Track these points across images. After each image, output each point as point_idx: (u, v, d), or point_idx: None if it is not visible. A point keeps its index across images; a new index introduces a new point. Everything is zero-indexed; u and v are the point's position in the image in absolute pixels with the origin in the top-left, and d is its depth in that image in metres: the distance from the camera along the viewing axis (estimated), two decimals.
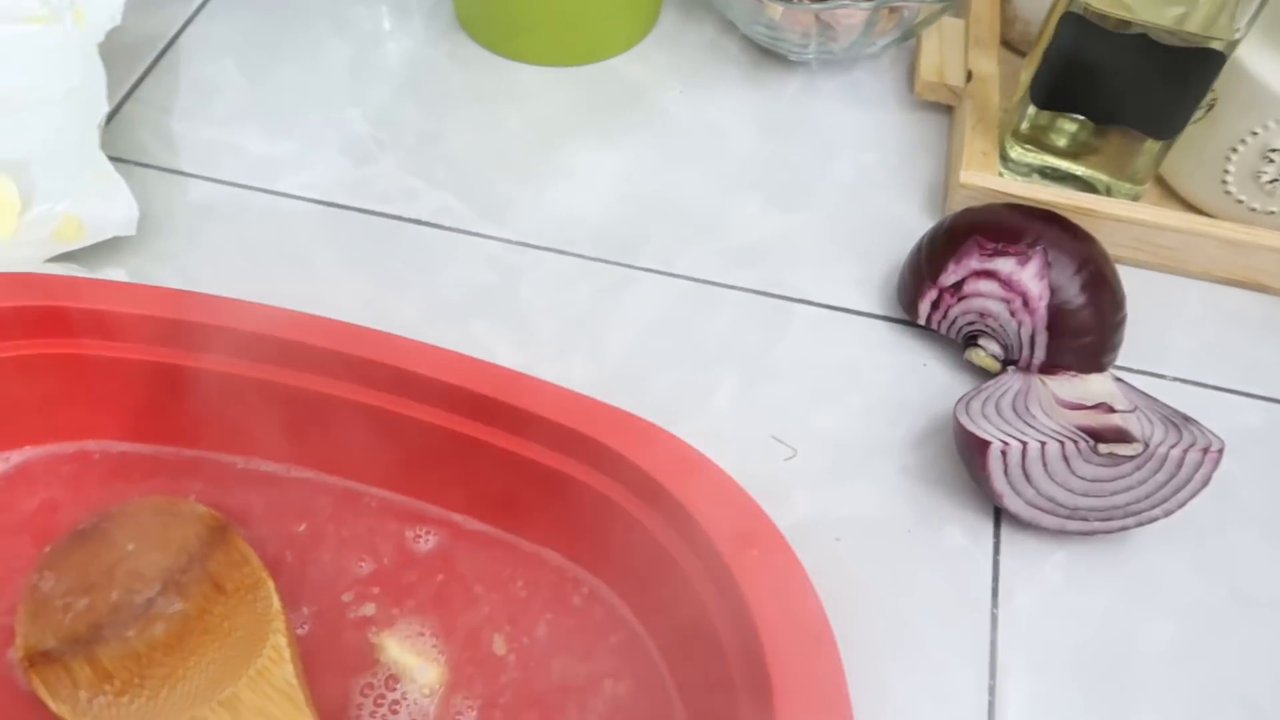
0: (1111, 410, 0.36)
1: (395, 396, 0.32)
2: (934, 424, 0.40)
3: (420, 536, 0.34)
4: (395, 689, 0.31)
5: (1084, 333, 0.38)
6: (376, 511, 0.35)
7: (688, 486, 0.29)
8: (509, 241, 0.45)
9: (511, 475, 0.33)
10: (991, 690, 0.34)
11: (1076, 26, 0.40)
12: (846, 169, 0.49)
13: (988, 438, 0.35)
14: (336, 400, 0.33)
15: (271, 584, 0.32)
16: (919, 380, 0.41)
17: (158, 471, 0.36)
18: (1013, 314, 0.38)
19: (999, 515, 0.37)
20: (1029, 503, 0.35)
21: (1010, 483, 0.35)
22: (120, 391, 0.34)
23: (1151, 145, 0.42)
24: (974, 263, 0.39)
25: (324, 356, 0.32)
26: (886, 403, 0.40)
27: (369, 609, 0.33)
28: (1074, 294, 0.38)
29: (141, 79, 0.50)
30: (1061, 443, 0.34)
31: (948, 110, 0.51)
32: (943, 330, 0.41)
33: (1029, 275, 0.38)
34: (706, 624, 0.29)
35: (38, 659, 0.31)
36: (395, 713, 0.31)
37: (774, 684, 0.25)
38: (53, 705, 0.30)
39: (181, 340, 0.33)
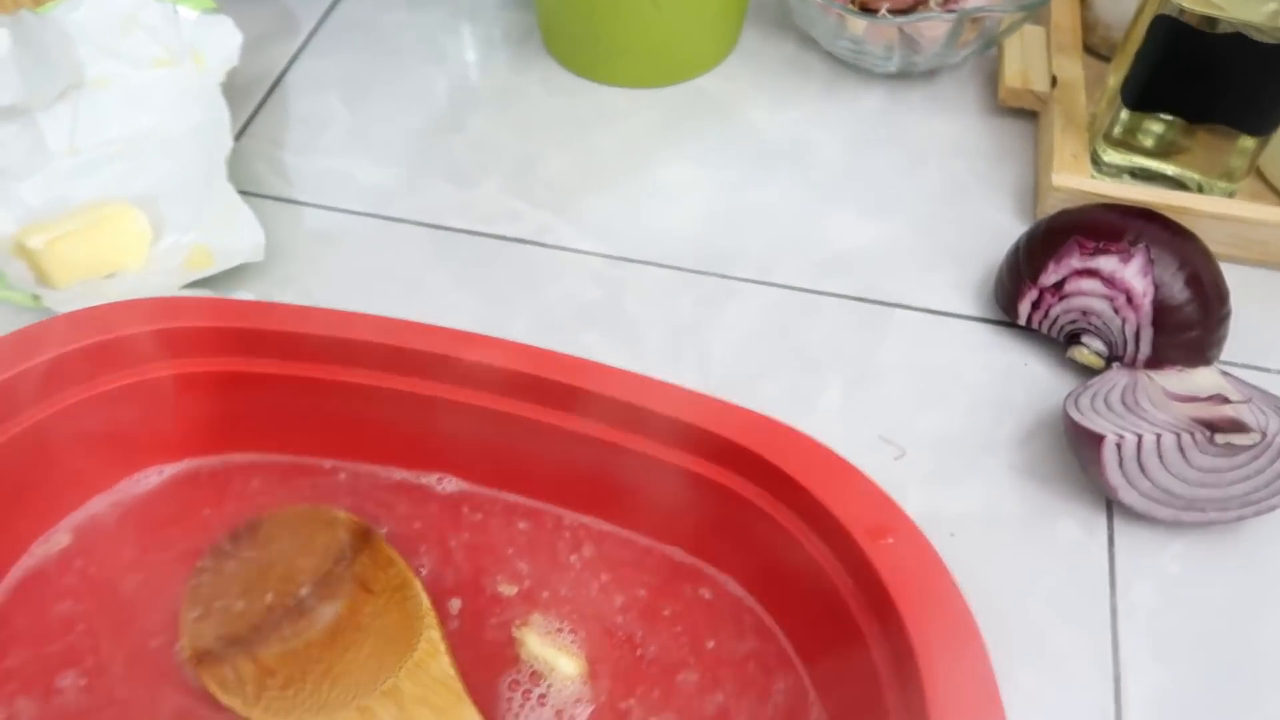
0: (1225, 401, 0.36)
1: (526, 402, 0.34)
2: (1040, 421, 0.40)
3: (554, 537, 0.36)
4: (540, 683, 0.33)
5: (1189, 327, 0.39)
6: (510, 513, 0.36)
7: (818, 480, 0.30)
8: (610, 257, 0.46)
9: (638, 475, 0.34)
10: (1117, 680, 0.34)
11: (1169, 28, 0.40)
12: (934, 176, 0.50)
13: (1101, 431, 0.35)
14: (474, 409, 0.34)
15: (418, 584, 0.33)
16: (1022, 379, 0.42)
17: (302, 481, 0.37)
18: (1116, 311, 0.39)
19: (1111, 508, 0.38)
20: (1144, 495, 0.36)
21: (1125, 476, 0.35)
22: (267, 406, 0.37)
23: (1245, 142, 0.43)
24: (1075, 262, 0.40)
25: (459, 366, 0.34)
26: (990, 402, 0.41)
27: (509, 609, 0.34)
28: (1178, 290, 0.39)
29: (253, 115, 0.53)
30: (1177, 434, 0.35)
31: (1031, 116, 0.52)
32: (1044, 330, 0.42)
33: (1132, 272, 0.39)
34: (845, 616, 0.30)
35: (204, 657, 0.33)
36: (543, 704, 0.32)
37: (923, 673, 0.26)
38: (223, 699, 0.32)
39: (319, 354, 0.35)
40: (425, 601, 0.33)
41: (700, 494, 0.33)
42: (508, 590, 0.35)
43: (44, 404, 0.35)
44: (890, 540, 0.29)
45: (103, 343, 0.35)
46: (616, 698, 0.33)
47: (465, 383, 0.34)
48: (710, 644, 0.34)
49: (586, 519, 0.36)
